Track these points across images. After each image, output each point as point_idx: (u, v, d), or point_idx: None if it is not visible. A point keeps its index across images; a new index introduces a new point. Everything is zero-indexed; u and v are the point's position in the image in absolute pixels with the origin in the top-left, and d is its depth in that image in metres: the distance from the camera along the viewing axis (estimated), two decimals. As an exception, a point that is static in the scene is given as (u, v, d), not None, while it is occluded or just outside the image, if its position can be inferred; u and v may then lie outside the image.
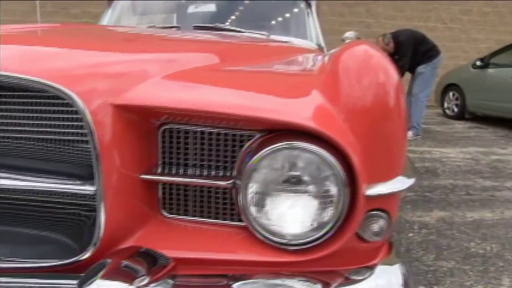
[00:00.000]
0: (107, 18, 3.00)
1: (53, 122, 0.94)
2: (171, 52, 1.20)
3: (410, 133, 5.83)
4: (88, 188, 0.92)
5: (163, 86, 0.93)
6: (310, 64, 1.40)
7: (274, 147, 0.84)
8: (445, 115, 8.27)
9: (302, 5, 2.87)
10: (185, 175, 0.96)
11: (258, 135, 0.91)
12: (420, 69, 5.72)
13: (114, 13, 3.01)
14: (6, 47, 0.96)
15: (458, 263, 2.20)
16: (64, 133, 0.95)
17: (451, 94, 8.11)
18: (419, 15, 10.14)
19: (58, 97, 0.88)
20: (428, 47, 5.70)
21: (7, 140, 0.99)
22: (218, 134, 0.94)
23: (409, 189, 0.97)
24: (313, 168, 0.84)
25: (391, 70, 0.92)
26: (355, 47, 0.97)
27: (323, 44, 2.72)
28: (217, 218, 1.00)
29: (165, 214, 1.03)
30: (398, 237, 2.50)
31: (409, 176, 1.00)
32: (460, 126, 7.22)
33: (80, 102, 0.85)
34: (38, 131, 0.96)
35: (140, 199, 0.98)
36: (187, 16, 2.93)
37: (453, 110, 8.07)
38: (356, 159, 0.83)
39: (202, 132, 0.94)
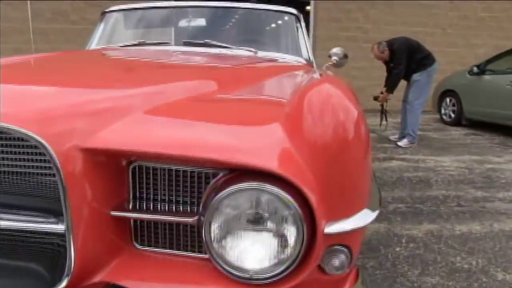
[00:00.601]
0: (100, 32, 3.03)
1: (21, 157, 0.97)
2: (151, 85, 1.22)
3: (405, 141, 5.86)
4: (59, 224, 0.94)
5: (133, 126, 0.96)
6: (283, 93, 1.42)
7: (235, 188, 0.87)
8: (442, 121, 8.29)
9: (291, 18, 2.89)
10: (154, 211, 0.99)
11: (221, 174, 0.93)
12: (415, 76, 5.74)
13: (106, 26, 3.04)
14: None
15: (443, 279, 2.21)
16: (33, 166, 0.97)
17: (448, 100, 8.14)
18: (417, 20, 10.17)
19: (25, 140, 0.91)
20: (423, 55, 5.72)
21: None
22: (185, 171, 0.97)
23: (372, 222, 0.99)
24: (272, 208, 0.87)
25: (351, 108, 0.95)
26: (320, 86, 1.00)
27: (311, 58, 2.75)
28: (186, 250, 1.03)
29: (137, 245, 1.05)
30: (385, 251, 2.52)
31: (373, 209, 1.02)
32: (456, 132, 7.24)
33: (47, 146, 0.88)
34: (4, 164, 0.98)
35: (112, 232, 1.01)
36: (177, 30, 2.96)
37: (450, 116, 8.10)
38: (314, 198, 0.86)
39: (170, 170, 0.97)
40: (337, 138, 0.92)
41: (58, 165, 0.88)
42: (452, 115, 8.03)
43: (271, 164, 0.85)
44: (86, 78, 1.30)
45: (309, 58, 2.74)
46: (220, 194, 0.87)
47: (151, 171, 0.98)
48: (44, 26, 9.08)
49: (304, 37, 2.85)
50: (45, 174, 0.96)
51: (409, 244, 2.63)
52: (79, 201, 0.92)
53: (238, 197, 0.87)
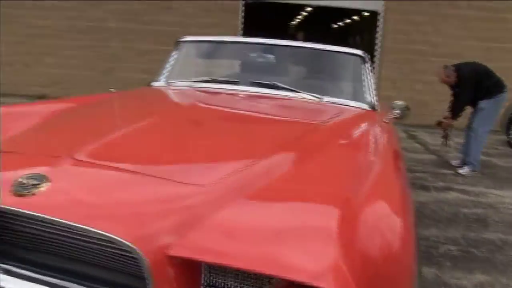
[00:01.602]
0: (173, 60, 3.22)
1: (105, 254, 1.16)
2: (236, 172, 1.37)
3: (466, 169, 5.71)
4: None
5: (215, 234, 1.11)
6: (344, 182, 1.49)
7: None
8: (509, 144, 7.96)
9: (357, 60, 2.95)
10: None
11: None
12: (482, 104, 5.57)
13: (180, 55, 3.23)
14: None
15: None
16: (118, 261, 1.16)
17: (517, 123, 7.79)
18: (491, 35, 9.74)
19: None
20: (492, 82, 5.52)
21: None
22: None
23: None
24: None
25: (399, 229, 1.06)
26: (375, 203, 1.10)
27: (375, 102, 2.79)
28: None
29: None
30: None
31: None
32: (524, 161, 6.95)
33: (137, 250, 1.05)
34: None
35: None
36: (245, 66, 3.11)
37: (518, 141, 7.76)
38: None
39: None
40: (383, 255, 1.03)
41: (147, 268, 1.04)
42: (521, 140, 7.70)
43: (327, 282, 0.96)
44: (171, 159, 1.48)
45: (372, 102, 2.79)
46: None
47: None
48: (119, 26, 9.57)
49: (368, 80, 2.90)
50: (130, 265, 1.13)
51: (457, 297, 2.64)
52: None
53: None
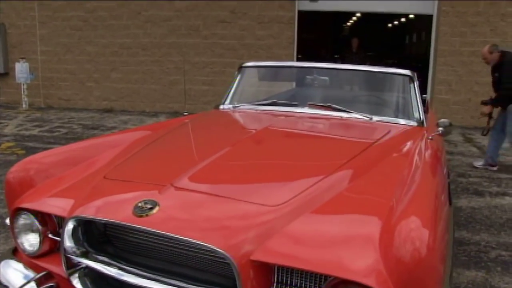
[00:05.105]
0: (236, 82, 3.59)
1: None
2: (304, 189, 1.76)
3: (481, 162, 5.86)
4: None
5: (286, 242, 1.48)
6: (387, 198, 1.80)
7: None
8: None
9: (405, 80, 3.20)
10: None
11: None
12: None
13: (242, 78, 3.60)
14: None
15: None
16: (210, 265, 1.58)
17: None
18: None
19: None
20: None
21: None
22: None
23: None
24: None
25: (425, 240, 1.40)
26: (409, 218, 1.44)
27: (423, 118, 3.04)
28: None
29: None
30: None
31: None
32: None
33: (230, 257, 1.42)
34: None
35: None
36: (303, 89, 3.46)
37: None
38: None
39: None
40: (413, 261, 1.37)
41: (236, 270, 1.42)
42: None
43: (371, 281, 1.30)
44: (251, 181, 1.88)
45: (420, 118, 3.04)
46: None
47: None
48: (179, 41, 10.18)
49: (416, 97, 3.15)
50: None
51: (506, 300, 2.83)
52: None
53: None
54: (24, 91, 10.14)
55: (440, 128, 2.76)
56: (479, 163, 6.07)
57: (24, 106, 10.15)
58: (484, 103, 5.92)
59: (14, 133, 7.70)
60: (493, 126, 5.94)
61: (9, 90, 10.96)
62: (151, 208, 1.58)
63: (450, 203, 2.87)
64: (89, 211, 1.68)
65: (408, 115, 3.04)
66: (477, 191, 5.12)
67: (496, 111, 5.93)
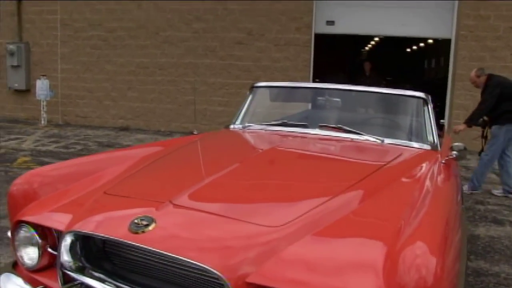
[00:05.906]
0: (248, 102, 3.56)
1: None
2: (308, 211, 1.68)
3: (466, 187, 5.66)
4: None
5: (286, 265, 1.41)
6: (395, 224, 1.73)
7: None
8: None
9: (419, 102, 3.13)
10: None
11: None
12: (493, 129, 5.47)
13: (254, 98, 3.57)
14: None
15: None
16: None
17: None
18: None
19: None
20: (509, 108, 5.35)
21: None
22: None
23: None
24: None
25: (432, 267, 1.31)
26: (415, 244, 1.36)
27: (437, 142, 2.95)
28: None
29: None
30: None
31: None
32: None
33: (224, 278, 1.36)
34: None
35: None
36: (313, 110, 3.41)
37: None
38: None
39: None
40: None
41: None
42: None
43: None
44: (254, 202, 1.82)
45: (434, 141, 2.96)
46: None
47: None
48: (196, 61, 10.27)
49: (430, 120, 3.07)
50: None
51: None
52: None
53: None
54: (43, 108, 10.30)
55: (454, 152, 2.67)
56: (498, 190, 5.90)
57: (42, 122, 10.30)
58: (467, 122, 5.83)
59: (31, 148, 7.79)
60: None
61: (29, 106, 11.16)
62: (147, 225, 1.54)
63: (464, 230, 2.77)
64: (86, 226, 1.65)
65: (421, 138, 2.96)
66: (496, 220, 4.95)
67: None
